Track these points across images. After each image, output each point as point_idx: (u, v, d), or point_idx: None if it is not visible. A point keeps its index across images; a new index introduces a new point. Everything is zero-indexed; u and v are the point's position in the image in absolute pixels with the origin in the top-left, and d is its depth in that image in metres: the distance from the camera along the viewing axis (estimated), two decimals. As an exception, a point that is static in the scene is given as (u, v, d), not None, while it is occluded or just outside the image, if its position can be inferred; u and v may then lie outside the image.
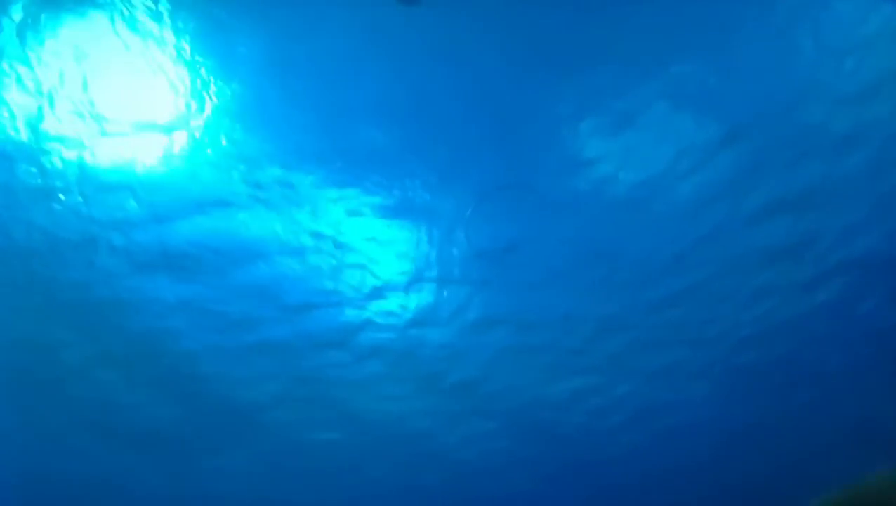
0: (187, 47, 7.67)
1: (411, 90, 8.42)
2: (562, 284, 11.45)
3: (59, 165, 8.88)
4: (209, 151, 8.80)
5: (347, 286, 11.28)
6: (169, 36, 7.53)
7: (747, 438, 16.55)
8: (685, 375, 14.13)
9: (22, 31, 7.33)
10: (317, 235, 10.32)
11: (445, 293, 11.57)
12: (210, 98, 8.19)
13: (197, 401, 14.51)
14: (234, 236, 10.18)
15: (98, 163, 8.90)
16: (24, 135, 8.44)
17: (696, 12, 7.66)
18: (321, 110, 8.63)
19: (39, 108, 8.13)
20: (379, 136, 8.96)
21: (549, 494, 20.46)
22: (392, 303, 11.66)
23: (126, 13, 7.27)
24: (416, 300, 11.67)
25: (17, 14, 7.16)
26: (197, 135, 8.58)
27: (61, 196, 9.27)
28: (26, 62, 7.63)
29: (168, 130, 8.49)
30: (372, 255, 10.73)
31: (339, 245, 10.46)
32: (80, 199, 9.33)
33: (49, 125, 8.34)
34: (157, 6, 7.23)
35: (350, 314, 11.89)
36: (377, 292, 11.41)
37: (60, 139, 8.53)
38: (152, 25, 7.41)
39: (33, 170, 8.89)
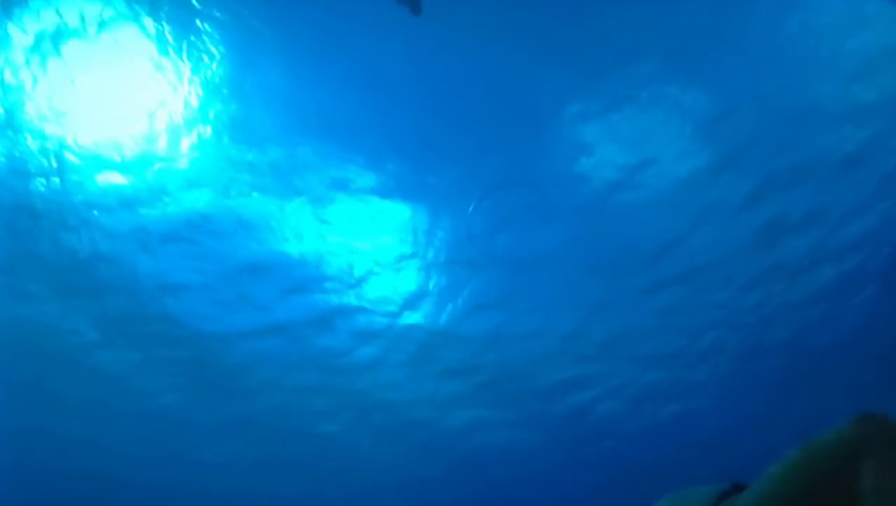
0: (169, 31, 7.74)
1: (414, 80, 8.51)
2: (555, 271, 11.54)
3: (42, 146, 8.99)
4: (201, 130, 8.86)
5: (339, 270, 11.40)
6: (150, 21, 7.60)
7: (747, 426, 16.69)
8: (682, 362, 14.21)
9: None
10: (313, 219, 10.44)
11: (441, 278, 11.71)
12: (200, 76, 8.24)
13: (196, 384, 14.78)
14: (225, 218, 10.28)
15: (86, 144, 8.98)
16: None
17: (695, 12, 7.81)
18: (321, 94, 8.70)
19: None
20: (381, 122, 9.04)
21: (549, 479, 20.73)
22: (385, 287, 11.80)
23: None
24: (408, 284, 11.78)
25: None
26: (187, 115, 8.65)
27: (53, 178, 9.41)
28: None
29: (158, 109, 8.55)
30: (365, 238, 10.84)
31: (330, 226, 10.57)
32: (64, 179, 9.44)
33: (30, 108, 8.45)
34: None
35: (342, 298, 12.02)
36: (368, 277, 11.53)
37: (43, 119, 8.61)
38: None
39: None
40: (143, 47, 7.84)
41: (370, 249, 10.96)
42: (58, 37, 7.67)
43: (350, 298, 11.94)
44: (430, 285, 11.73)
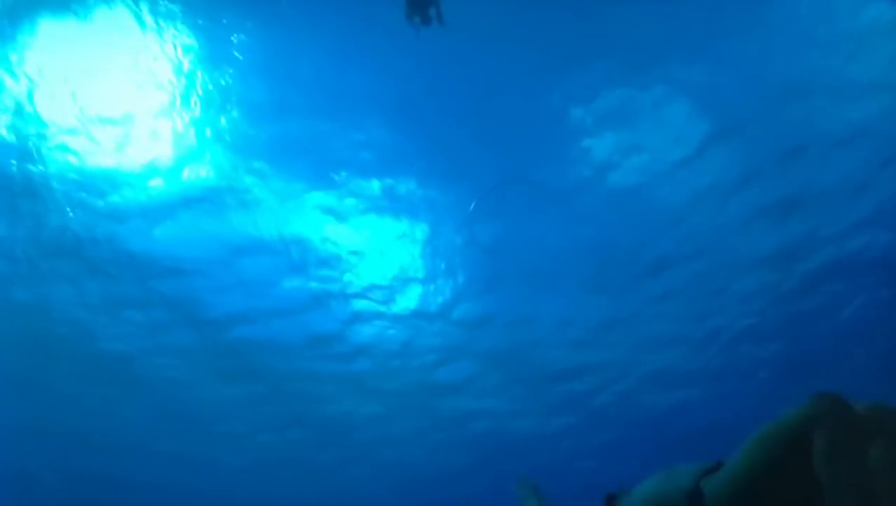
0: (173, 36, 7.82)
1: (406, 87, 8.68)
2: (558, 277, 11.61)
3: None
4: (193, 143, 8.94)
5: (336, 283, 11.53)
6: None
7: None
8: (681, 372, 14.02)
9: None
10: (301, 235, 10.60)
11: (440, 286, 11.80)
12: (197, 90, 8.34)
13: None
14: (216, 234, 10.39)
15: (78, 157, 9.04)
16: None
17: (693, 11, 7.99)
18: (314, 103, 8.87)
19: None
20: (374, 131, 9.23)
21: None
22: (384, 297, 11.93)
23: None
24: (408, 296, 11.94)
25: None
26: (181, 128, 8.73)
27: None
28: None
29: (153, 120, 8.64)
30: (361, 250, 11.01)
31: (323, 241, 10.74)
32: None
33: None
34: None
35: (338, 311, 12.16)
36: (367, 289, 11.71)
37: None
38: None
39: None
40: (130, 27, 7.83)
41: (367, 261, 11.16)
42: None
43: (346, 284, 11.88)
44: (426, 272, 11.70)
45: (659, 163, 9.72)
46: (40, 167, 9.15)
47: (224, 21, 7.82)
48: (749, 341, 13.52)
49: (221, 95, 8.48)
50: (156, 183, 9.54)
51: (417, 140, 9.46)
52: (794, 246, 11.13)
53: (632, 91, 8.80)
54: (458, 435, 16.71)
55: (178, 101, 8.46)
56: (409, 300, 12.09)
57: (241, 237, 10.62)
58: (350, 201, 10.25)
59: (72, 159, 9.03)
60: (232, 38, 7.99)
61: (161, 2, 7.53)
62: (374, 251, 11.08)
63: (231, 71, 8.29)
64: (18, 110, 8.43)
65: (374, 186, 10.02)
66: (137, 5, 7.52)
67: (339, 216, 10.43)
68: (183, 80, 8.30)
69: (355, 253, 11.05)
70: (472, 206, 10.33)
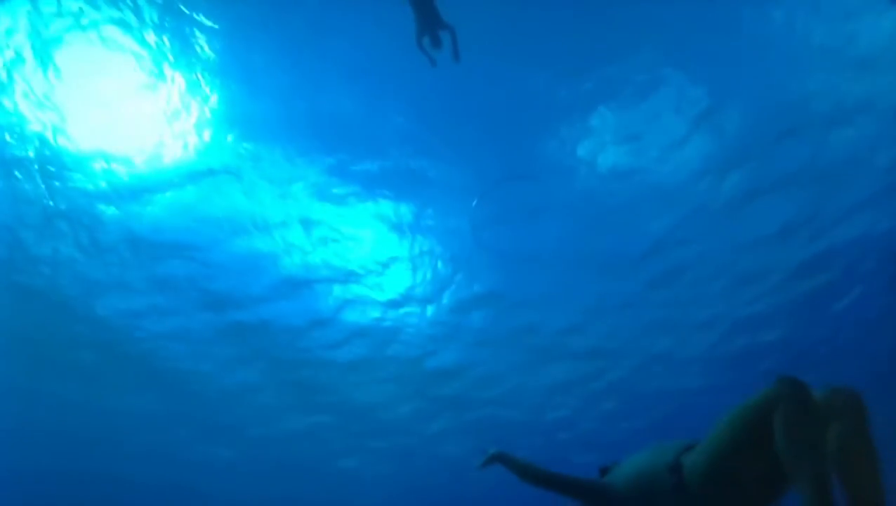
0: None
1: (401, 69, 8.55)
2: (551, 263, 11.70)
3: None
4: (186, 122, 8.93)
5: (328, 266, 11.47)
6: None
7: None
8: (679, 359, 14.31)
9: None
10: (298, 217, 10.57)
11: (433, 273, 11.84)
12: (184, 72, 8.33)
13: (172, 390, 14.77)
14: (208, 214, 10.33)
15: (67, 138, 9.01)
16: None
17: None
18: (308, 86, 8.84)
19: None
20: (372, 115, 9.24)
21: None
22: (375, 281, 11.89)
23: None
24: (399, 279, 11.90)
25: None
26: (173, 106, 8.71)
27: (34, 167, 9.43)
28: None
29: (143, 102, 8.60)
30: (353, 234, 10.97)
31: (316, 223, 10.72)
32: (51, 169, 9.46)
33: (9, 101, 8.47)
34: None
35: (331, 294, 12.11)
36: (357, 273, 11.64)
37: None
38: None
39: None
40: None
41: (363, 243, 11.11)
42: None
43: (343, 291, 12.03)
44: (420, 279, 11.87)
45: (653, 146, 9.79)
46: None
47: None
48: (750, 330, 13.61)
49: (219, 75, 8.55)
50: (144, 163, 9.51)
51: (414, 124, 9.48)
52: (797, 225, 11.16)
53: (632, 98, 8.98)
54: (455, 422, 16.80)
55: (172, 78, 8.48)
56: (399, 285, 12.08)
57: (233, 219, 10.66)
58: (344, 187, 10.33)
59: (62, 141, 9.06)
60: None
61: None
62: (366, 236, 11.09)
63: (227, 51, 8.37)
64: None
65: (369, 169, 10.04)
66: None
67: (334, 200, 10.48)
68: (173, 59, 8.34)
69: (348, 237, 11.08)
70: (475, 203, 10.50)
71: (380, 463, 19.30)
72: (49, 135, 8.86)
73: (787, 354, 14.09)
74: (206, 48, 8.14)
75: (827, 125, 9.27)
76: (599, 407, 15.92)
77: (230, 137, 9.19)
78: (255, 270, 11.41)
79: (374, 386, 14.91)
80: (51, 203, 9.86)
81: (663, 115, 9.28)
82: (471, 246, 11.25)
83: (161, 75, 8.31)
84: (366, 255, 11.31)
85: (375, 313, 12.59)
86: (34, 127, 8.71)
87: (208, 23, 7.94)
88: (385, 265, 11.51)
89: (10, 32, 7.70)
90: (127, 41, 7.91)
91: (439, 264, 11.64)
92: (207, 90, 8.55)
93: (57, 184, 9.56)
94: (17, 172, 9.35)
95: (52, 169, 9.32)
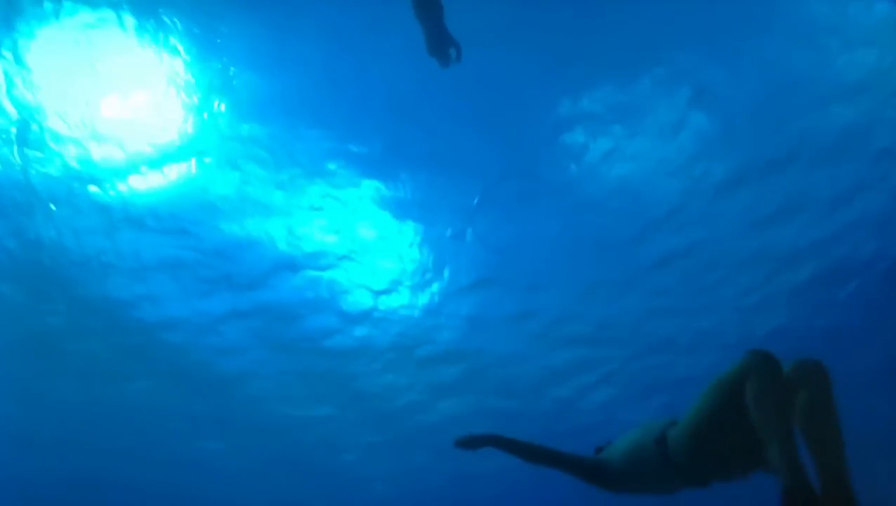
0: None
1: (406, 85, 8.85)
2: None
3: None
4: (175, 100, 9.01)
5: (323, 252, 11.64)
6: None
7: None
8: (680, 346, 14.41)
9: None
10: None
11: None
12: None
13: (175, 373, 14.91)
14: (199, 196, 10.44)
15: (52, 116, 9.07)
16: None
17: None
18: (308, 93, 9.08)
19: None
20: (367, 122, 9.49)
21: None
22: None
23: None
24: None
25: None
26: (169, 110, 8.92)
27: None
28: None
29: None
30: (348, 218, 11.07)
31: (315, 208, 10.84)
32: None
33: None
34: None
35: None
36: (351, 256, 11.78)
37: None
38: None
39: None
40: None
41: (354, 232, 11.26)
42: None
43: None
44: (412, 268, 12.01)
45: (646, 130, 9.90)
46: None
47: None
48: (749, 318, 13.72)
49: (219, 80, 8.74)
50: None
51: (411, 131, 9.69)
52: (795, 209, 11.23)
53: (623, 81, 9.09)
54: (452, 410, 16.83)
55: (170, 85, 8.69)
56: (393, 270, 12.24)
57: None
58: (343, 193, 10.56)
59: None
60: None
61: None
62: (361, 220, 11.20)
63: (228, 60, 8.60)
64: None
65: (364, 153, 10.16)
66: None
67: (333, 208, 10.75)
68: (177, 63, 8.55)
69: (343, 222, 11.22)
70: (475, 201, 10.75)
71: (379, 455, 19.50)
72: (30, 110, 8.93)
73: (788, 341, 14.19)
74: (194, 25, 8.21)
75: (824, 105, 9.33)
76: (598, 394, 16.06)
77: (221, 115, 9.27)
78: (250, 253, 11.54)
79: (370, 375, 15.06)
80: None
81: (655, 98, 9.35)
82: (465, 232, 11.40)
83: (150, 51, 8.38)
84: (359, 240, 11.43)
85: (369, 300, 12.75)
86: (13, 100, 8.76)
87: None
88: (379, 251, 11.64)
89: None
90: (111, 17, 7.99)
91: (433, 251, 11.77)
92: (194, 69, 8.64)
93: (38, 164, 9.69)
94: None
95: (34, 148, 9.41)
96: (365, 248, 11.55)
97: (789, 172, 10.29)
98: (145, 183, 10.02)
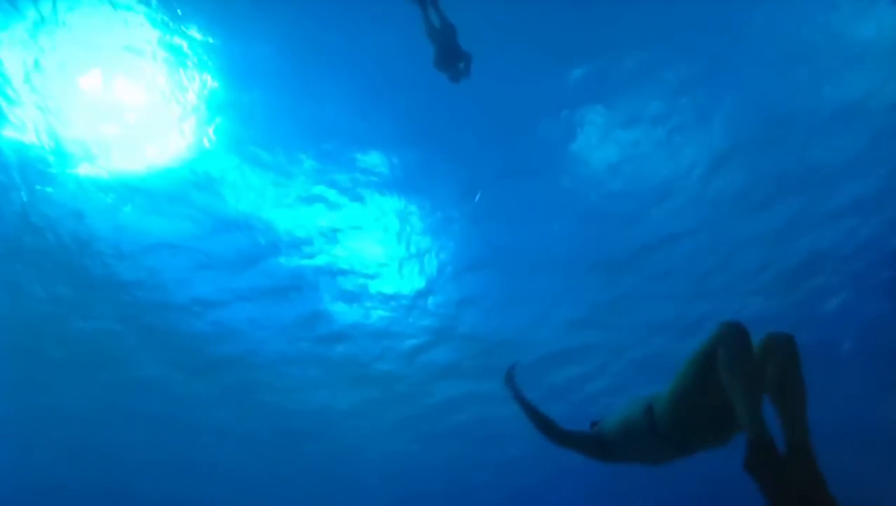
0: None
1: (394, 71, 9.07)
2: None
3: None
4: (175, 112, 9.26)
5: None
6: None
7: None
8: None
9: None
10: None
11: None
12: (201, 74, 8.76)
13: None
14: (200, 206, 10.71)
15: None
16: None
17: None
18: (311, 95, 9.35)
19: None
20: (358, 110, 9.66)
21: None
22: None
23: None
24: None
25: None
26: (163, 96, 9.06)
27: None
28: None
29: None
30: (347, 227, 11.36)
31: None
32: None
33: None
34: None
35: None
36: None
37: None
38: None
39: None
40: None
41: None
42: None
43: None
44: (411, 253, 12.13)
45: (646, 140, 10.19)
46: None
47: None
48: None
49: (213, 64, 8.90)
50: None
51: (406, 121, 9.89)
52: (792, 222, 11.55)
53: (615, 63, 9.26)
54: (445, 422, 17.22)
55: (168, 80, 8.89)
56: (391, 283, 12.49)
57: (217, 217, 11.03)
58: (336, 179, 10.68)
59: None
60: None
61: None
62: (356, 233, 11.50)
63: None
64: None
65: (359, 164, 10.45)
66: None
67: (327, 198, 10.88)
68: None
69: (337, 233, 11.50)
70: (477, 198, 11.01)
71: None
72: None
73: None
74: (198, 35, 8.45)
75: (819, 122, 9.70)
76: (596, 405, 16.24)
77: (218, 127, 9.54)
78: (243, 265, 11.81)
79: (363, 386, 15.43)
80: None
81: (656, 107, 9.66)
82: (465, 238, 11.70)
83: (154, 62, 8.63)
84: (358, 250, 11.74)
85: (369, 307, 13.04)
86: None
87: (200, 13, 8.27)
88: (379, 261, 11.96)
89: None
90: (116, 26, 8.23)
91: (432, 258, 12.03)
92: (199, 79, 8.89)
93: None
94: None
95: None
96: (363, 257, 11.87)
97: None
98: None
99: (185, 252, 11.50)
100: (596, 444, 3.95)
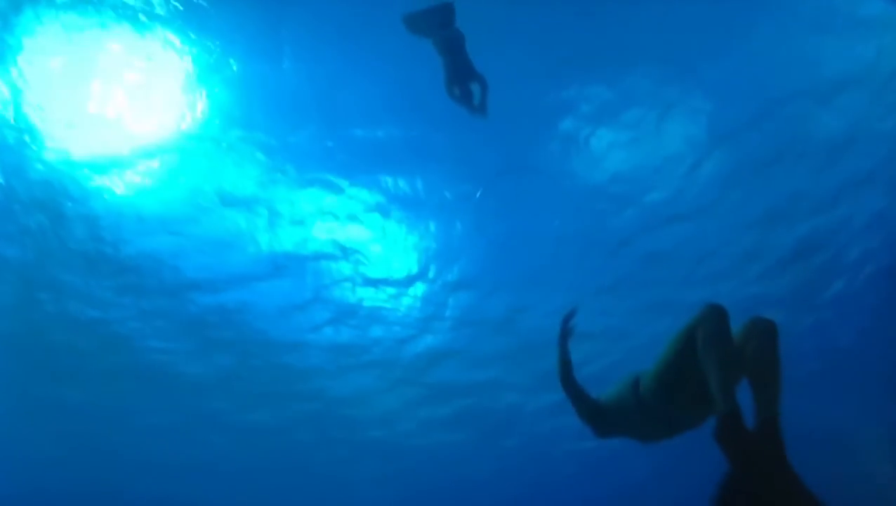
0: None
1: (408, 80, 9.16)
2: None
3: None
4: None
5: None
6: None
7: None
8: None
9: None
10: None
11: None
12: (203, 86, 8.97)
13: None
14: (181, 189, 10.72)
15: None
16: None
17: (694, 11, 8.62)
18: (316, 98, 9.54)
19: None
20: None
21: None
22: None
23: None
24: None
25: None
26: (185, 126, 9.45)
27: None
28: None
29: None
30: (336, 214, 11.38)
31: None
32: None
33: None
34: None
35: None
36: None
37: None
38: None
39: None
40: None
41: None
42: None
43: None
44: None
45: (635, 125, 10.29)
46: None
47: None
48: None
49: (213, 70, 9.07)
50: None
51: (402, 102, 9.90)
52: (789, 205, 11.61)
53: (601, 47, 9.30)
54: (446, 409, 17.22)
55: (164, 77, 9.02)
56: (381, 266, 12.52)
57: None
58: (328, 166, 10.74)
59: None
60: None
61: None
62: (350, 216, 11.48)
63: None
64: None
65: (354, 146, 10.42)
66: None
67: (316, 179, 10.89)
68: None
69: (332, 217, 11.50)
70: (478, 194, 11.18)
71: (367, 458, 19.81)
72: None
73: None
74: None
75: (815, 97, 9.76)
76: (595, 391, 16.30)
77: (208, 109, 9.58)
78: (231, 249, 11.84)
79: (356, 372, 15.38)
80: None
81: (643, 92, 9.75)
82: (455, 226, 11.79)
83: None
84: (348, 236, 11.78)
85: (357, 294, 13.07)
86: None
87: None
88: (368, 247, 12.04)
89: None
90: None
91: (420, 244, 12.11)
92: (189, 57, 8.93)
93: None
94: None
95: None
96: (352, 243, 11.91)
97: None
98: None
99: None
100: (592, 409, 4.28)
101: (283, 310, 13.34)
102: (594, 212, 11.59)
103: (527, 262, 12.59)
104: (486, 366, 15.38)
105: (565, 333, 4.57)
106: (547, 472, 21.02)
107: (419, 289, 12.97)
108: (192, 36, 8.59)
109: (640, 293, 13.43)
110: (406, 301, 13.29)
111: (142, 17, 8.31)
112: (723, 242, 12.35)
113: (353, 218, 11.41)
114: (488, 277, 12.86)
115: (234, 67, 9.07)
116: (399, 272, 12.59)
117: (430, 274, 12.63)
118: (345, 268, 12.38)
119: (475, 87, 7.46)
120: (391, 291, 12.96)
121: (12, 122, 9.26)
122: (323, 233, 11.65)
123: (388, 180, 10.97)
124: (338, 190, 10.93)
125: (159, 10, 8.22)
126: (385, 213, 11.39)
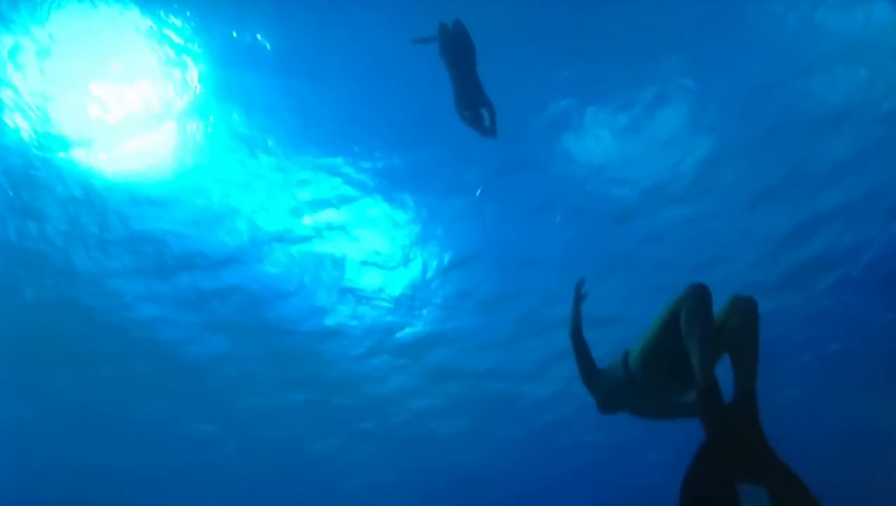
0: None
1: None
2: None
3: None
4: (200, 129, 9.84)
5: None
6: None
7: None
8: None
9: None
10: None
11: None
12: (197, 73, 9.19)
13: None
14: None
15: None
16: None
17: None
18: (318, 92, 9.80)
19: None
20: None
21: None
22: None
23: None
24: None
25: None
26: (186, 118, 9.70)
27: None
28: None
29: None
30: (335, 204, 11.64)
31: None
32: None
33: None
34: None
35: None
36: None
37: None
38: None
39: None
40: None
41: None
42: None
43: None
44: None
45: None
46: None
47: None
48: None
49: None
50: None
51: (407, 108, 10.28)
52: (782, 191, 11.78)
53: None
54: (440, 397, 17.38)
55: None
56: (379, 251, 12.74)
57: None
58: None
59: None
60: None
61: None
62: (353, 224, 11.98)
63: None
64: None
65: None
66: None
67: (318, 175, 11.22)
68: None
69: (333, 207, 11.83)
70: (478, 192, 11.44)
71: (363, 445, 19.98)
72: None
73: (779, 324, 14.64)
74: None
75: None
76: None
77: (216, 115, 9.96)
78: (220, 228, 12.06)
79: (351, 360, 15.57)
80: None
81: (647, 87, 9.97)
82: (454, 212, 11.95)
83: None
84: (341, 218, 11.97)
85: (355, 282, 13.29)
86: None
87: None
88: (360, 230, 12.23)
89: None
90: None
91: (419, 229, 12.30)
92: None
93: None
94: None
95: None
96: (351, 234, 12.17)
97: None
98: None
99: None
100: (594, 379, 4.55)
101: (279, 294, 13.55)
102: (591, 196, 11.74)
103: (523, 246, 12.74)
104: (484, 351, 15.56)
105: (578, 298, 4.93)
106: (548, 462, 21.22)
107: (414, 272, 13.14)
108: (179, 18, 8.77)
109: (637, 278, 13.54)
110: (400, 285, 13.47)
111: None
112: (720, 227, 12.46)
113: (345, 200, 11.55)
114: (483, 260, 13.04)
115: (223, 45, 9.24)
116: (393, 258, 12.78)
117: (425, 258, 12.81)
118: (336, 251, 12.52)
119: (484, 112, 7.59)
120: (384, 274, 13.15)
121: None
122: (313, 217, 11.83)
123: (381, 161, 11.11)
124: (330, 170, 11.09)
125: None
126: (378, 194, 11.53)
